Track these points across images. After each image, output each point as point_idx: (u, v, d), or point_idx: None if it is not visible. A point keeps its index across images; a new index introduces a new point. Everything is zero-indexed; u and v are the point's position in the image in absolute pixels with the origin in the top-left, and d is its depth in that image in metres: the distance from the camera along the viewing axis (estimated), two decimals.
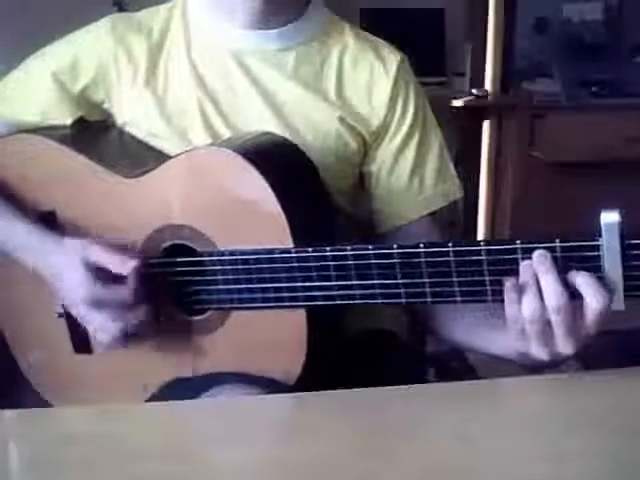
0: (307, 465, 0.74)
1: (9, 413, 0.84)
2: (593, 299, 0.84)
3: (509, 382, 0.95)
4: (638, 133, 3.27)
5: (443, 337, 1.14)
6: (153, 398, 1.08)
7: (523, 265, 0.86)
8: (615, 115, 3.33)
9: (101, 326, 1.02)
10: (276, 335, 1.01)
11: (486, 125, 3.69)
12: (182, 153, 1.05)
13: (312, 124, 1.13)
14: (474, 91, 3.48)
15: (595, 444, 0.79)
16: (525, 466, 0.74)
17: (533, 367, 0.95)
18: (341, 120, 1.14)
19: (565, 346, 0.87)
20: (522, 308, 0.86)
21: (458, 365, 1.55)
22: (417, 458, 0.76)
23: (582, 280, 0.84)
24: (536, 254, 0.85)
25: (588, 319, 0.85)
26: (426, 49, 3.31)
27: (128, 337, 1.03)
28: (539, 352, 0.89)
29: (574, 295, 0.85)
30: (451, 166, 1.20)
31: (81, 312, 1.03)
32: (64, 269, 1.03)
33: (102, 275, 1.01)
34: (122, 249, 1.02)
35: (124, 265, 1.00)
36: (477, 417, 0.84)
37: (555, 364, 0.91)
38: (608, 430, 0.81)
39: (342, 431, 0.82)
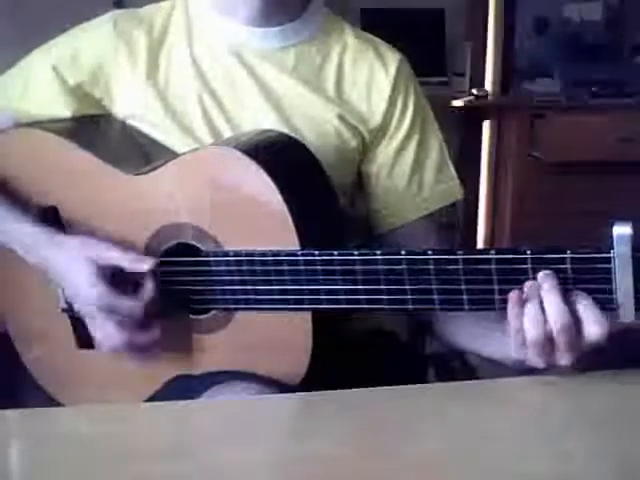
0: (307, 465, 0.74)
1: (10, 413, 0.84)
2: (592, 328, 0.84)
3: (509, 382, 0.95)
4: (638, 133, 3.26)
5: (437, 335, 1.15)
6: (156, 395, 1.08)
7: (528, 285, 0.86)
8: (615, 115, 3.32)
9: (106, 333, 1.02)
10: (281, 336, 1.00)
11: (486, 125, 3.69)
12: (187, 152, 1.05)
13: (311, 121, 1.13)
14: (474, 91, 3.48)
15: (595, 444, 0.79)
16: (525, 465, 0.74)
17: (526, 370, 0.95)
18: (340, 118, 1.14)
19: (564, 359, 0.87)
20: (526, 328, 0.86)
21: (458, 365, 1.54)
22: (417, 458, 0.76)
23: (584, 307, 0.85)
24: (540, 274, 0.85)
25: (587, 342, 0.86)
26: (426, 49, 3.32)
27: (131, 350, 1.03)
28: (536, 361, 0.89)
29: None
30: (451, 167, 1.20)
31: (88, 312, 1.03)
32: (68, 270, 1.03)
33: (114, 280, 1.00)
34: (128, 247, 1.02)
35: (141, 263, 1.00)
36: (477, 417, 0.84)
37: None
38: (608, 430, 0.81)
39: (342, 431, 0.82)
